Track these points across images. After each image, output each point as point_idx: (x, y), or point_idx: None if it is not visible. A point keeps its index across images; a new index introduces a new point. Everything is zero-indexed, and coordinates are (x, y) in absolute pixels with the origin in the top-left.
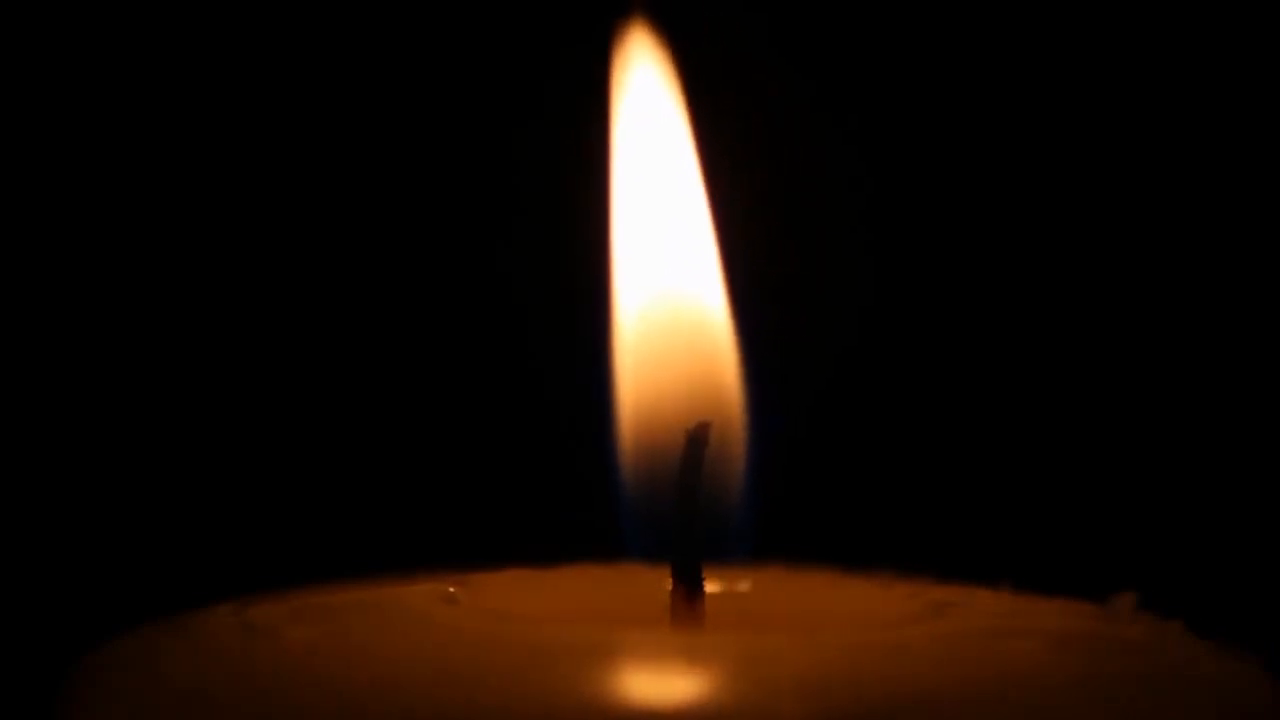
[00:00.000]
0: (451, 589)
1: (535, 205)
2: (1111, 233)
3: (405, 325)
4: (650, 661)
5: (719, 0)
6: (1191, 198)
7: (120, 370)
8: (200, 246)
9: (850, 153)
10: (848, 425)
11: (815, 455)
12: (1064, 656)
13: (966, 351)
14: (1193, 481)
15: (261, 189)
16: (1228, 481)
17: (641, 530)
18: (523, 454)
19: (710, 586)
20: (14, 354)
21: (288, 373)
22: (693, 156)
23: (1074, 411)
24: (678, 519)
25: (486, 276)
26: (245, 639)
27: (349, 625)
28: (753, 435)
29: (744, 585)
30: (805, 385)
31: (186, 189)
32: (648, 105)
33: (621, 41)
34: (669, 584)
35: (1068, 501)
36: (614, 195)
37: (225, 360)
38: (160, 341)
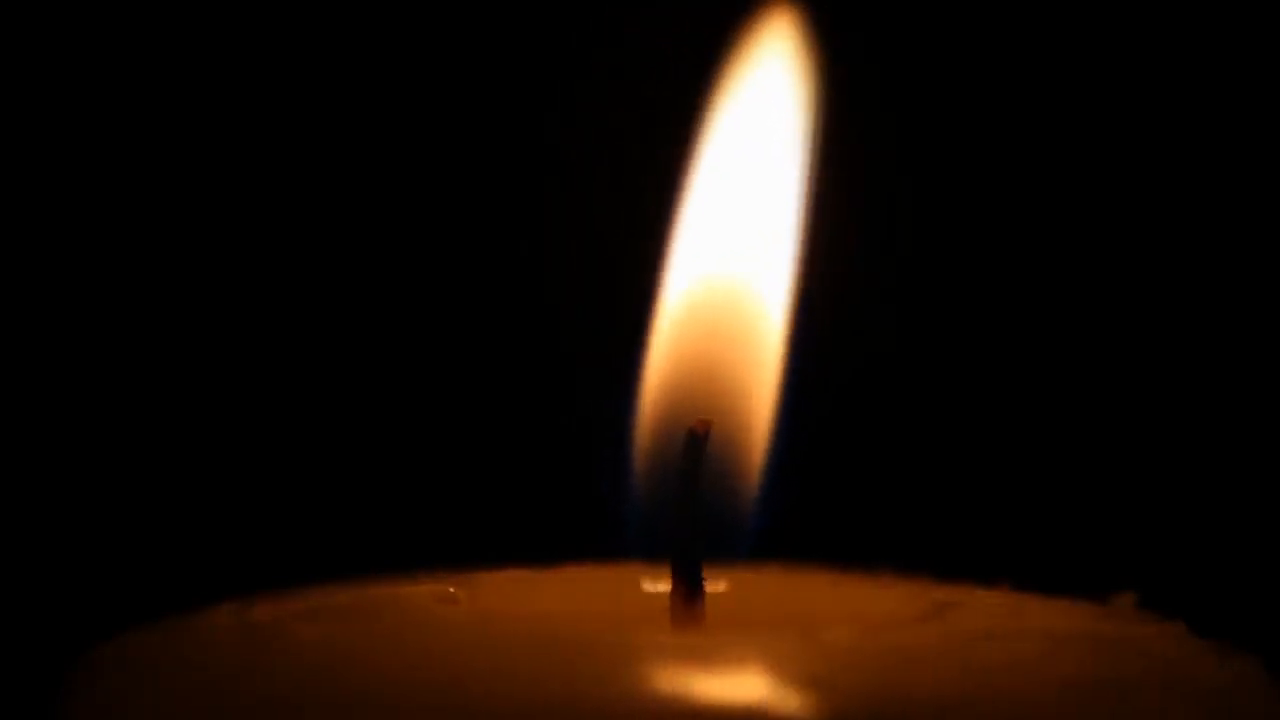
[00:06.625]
0: (451, 589)
1: (563, 199)
2: (1111, 234)
3: (405, 325)
4: (650, 661)
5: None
6: (1191, 198)
7: (120, 370)
8: (201, 246)
9: (865, 159)
10: (847, 425)
11: (814, 455)
12: (1064, 656)
13: (966, 351)
14: (1193, 481)
15: (265, 183)
16: (1228, 481)
17: (642, 530)
18: (523, 453)
19: (710, 586)
20: (14, 354)
21: (288, 372)
22: (783, 148)
23: (1073, 412)
24: (677, 518)
25: (492, 276)
26: (245, 639)
27: (349, 625)
28: (778, 435)
29: (744, 585)
30: (804, 384)
31: (189, 186)
32: (756, 87)
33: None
34: (669, 584)
35: (1068, 501)
36: (684, 180)
37: (226, 360)
38: (160, 341)
